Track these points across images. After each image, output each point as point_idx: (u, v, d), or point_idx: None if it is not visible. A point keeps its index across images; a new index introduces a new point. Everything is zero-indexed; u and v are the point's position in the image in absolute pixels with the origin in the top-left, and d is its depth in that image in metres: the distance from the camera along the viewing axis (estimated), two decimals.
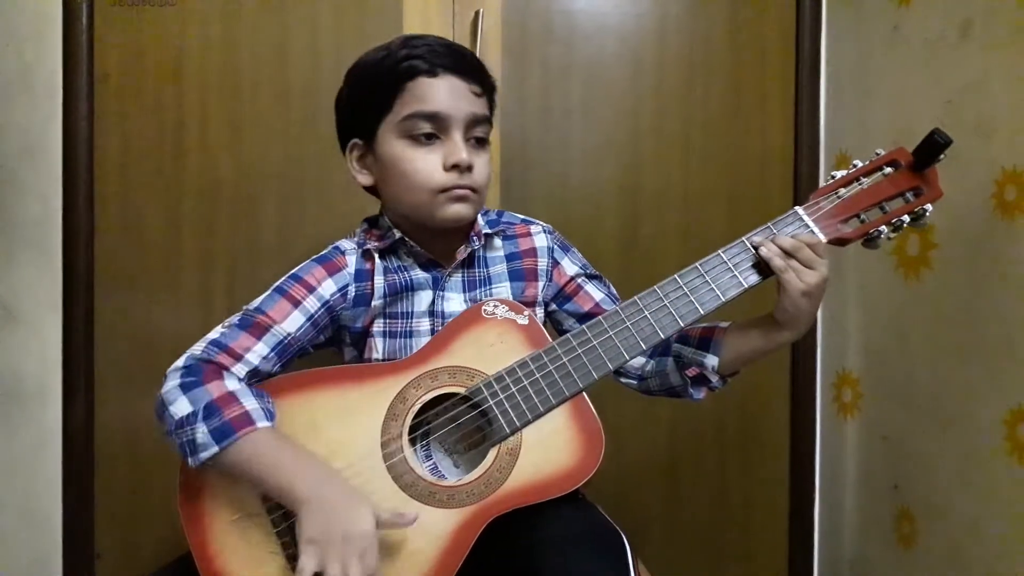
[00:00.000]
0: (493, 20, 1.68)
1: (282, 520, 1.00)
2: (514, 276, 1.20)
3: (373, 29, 1.67)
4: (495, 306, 1.09)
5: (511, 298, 1.17)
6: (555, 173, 1.73)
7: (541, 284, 1.22)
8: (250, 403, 0.99)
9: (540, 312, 1.22)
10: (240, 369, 1.03)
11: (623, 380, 1.25)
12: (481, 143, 1.14)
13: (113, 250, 1.62)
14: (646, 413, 1.74)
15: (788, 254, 1.02)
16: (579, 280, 1.23)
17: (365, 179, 1.18)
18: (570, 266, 1.24)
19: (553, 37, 1.72)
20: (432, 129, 1.08)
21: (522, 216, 1.27)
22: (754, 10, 1.78)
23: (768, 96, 1.79)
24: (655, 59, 1.76)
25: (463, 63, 1.11)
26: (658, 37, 1.76)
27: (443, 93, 1.08)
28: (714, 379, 1.14)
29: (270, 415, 1.00)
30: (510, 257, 1.21)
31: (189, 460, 0.97)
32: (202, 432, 0.96)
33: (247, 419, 0.97)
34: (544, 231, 1.25)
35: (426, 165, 1.08)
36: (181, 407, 0.98)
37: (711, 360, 1.12)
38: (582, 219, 1.70)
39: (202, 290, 1.65)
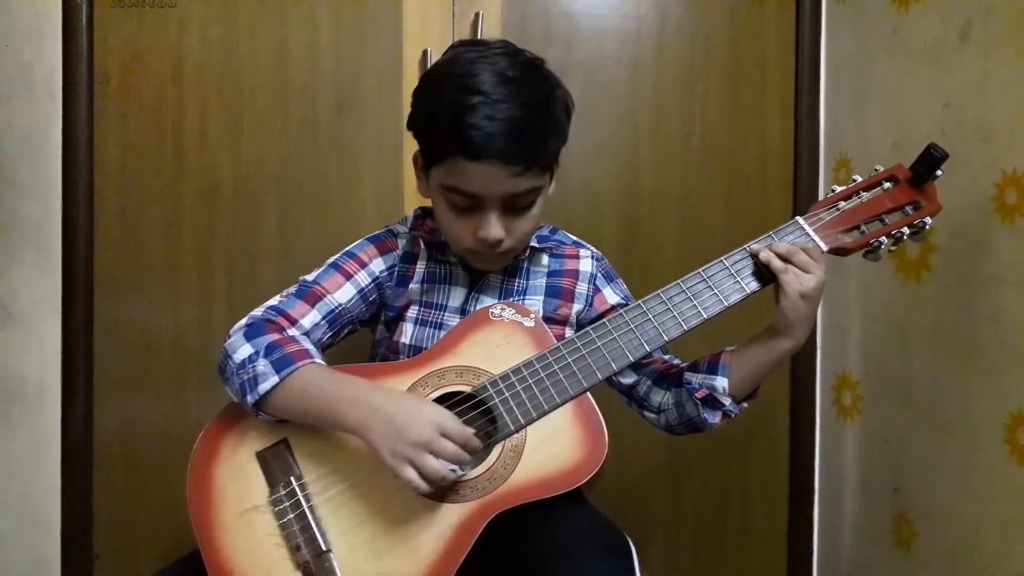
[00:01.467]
0: (493, 22, 1.69)
1: (288, 512, 1.02)
2: (550, 292, 1.22)
3: (373, 32, 1.67)
4: (502, 309, 1.11)
5: (542, 313, 1.19)
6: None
7: (577, 307, 1.23)
8: (308, 345, 1.08)
9: (569, 333, 1.22)
10: (294, 332, 1.11)
11: (647, 415, 1.25)
12: (523, 209, 1.10)
13: (112, 251, 1.62)
14: None
15: (785, 259, 1.05)
16: (620, 311, 1.23)
17: (423, 188, 1.18)
18: (612, 295, 1.26)
19: (552, 39, 1.72)
20: (469, 204, 1.08)
21: (575, 238, 1.29)
22: (753, 13, 1.78)
23: (768, 99, 1.79)
24: (654, 61, 1.76)
25: (511, 147, 1.02)
26: (657, 39, 1.76)
27: (481, 177, 1.04)
28: (727, 402, 1.13)
29: (323, 360, 1.08)
30: (552, 274, 1.23)
31: (248, 397, 1.02)
32: (263, 365, 1.02)
33: (306, 354, 1.05)
34: (592, 257, 1.27)
35: (459, 229, 1.10)
36: (244, 351, 1.05)
37: (721, 382, 1.13)
38: (581, 221, 1.71)
39: (201, 291, 1.65)
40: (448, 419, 0.98)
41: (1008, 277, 1.25)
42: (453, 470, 0.99)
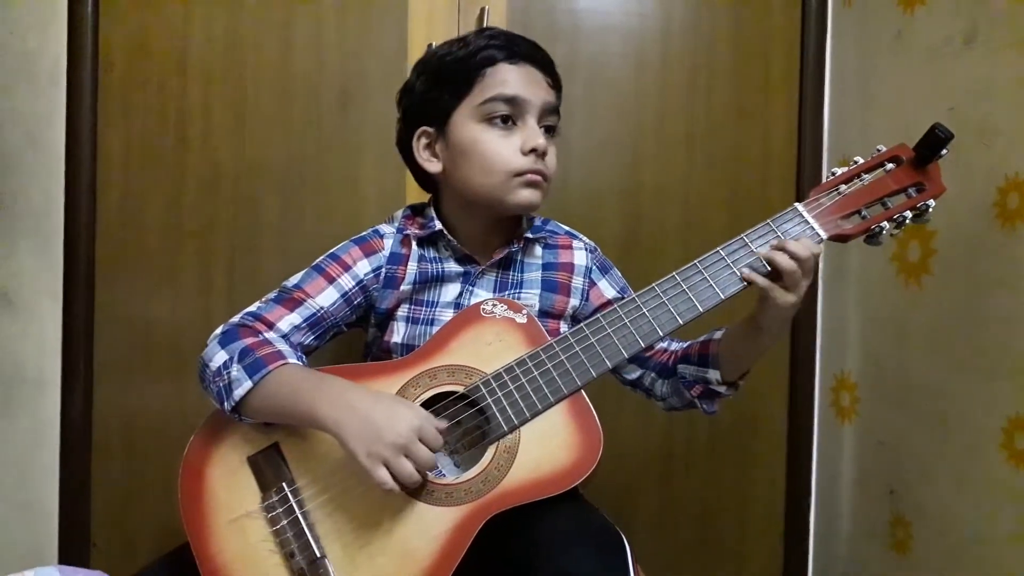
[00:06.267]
0: (498, 18, 1.68)
1: (281, 517, 1.02)
2: (547, 286, 1.21)
3: (378, 25, 1.66)
4: (494, 305, 1.10)
5: (539, 307, 1.19)
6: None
7: (574, 301, 1.22)
8: (283, 347, 1.07)
9: (565, 327, 1.21)
10: (271, 335, 1.10)
11: (652, 400, 1.28)
12: (551, 133, 1.17)
13: (114, 240, 1.62)
14: (643, 415, 1.74)
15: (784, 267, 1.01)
16: (615, 305, 1.23)
17: (434, 166, 1.19)
18: (608, 288, 1.25)
19: (557, 36, 1.72)
20: (510, 112, 1.11)
21: (567, 228, 1.29)
22: (758, 12, 1.77)
23: (771, 98, 1.78)
24: (658, 59, 1.76)
25: (540, 55, 1.17)
26: (662, 37, 1.75)
27: (522, 79, 1.13)
28: (722, 390, 1.15)
29: (302, 360, 1.07)
30: (547, 267, 1.22)
31: (225, 404, 1.02)
32: (236, 370, 1.02)
33: (279, 355, 1.04)
34: (586, 249, 1.26)
35: (505, 148, 1.11)
36: (219, 358, 1.04)
37: (713, 374, 1.14)
38: (582, 217, 1.69)
39: (202, 281, 1.65)
40: (427, 421, 0.98)
41: (1008, 282, 1.25)
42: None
